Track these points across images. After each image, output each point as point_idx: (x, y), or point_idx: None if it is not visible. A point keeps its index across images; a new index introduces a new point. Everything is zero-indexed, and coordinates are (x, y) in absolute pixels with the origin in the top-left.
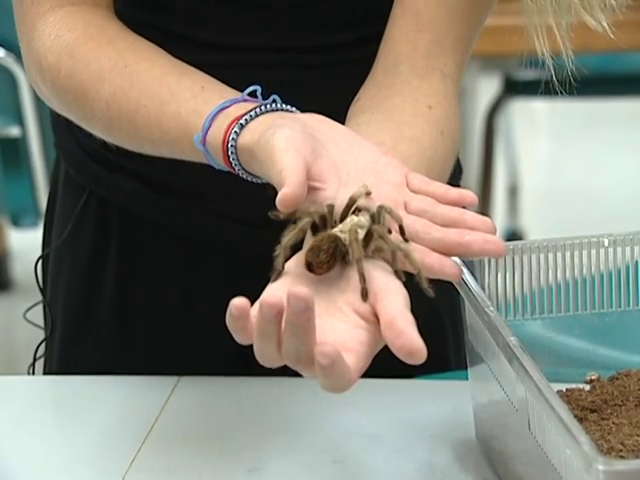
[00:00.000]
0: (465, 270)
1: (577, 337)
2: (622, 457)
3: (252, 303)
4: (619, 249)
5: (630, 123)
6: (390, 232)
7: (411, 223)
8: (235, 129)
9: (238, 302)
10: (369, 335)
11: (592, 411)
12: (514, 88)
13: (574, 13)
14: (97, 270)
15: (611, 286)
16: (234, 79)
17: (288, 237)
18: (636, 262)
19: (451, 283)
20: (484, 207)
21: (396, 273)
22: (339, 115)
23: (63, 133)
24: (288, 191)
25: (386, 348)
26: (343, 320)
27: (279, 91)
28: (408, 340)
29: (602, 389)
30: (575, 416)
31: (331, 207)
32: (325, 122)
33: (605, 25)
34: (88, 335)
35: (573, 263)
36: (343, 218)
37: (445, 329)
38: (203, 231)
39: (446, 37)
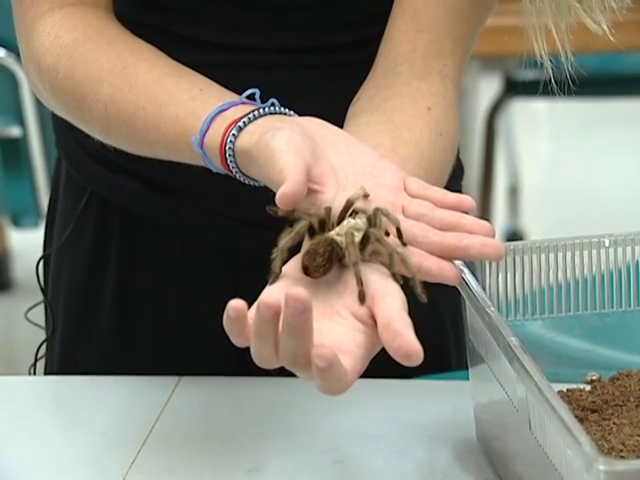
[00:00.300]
0: (466, 270)
1: (578, 337)
2: (623, 457)
3: (250, 305)
4: (620, 249)
5: (630, 123)
6: (388, 235)
7: (409, 227)
8: (233, 132)
9: (235, 304)
10: (366, 338)
11: (593, 411)
12: (514, 88)
13: (574, 15)
14: (98, 270)
15: (612, 286)
16: (234, 79)
17: (285, 240)
18: (637, 262)
19: None
20: (484, 207)
21: (393, 276)
22: (339, 116)
23: (64, 133)
24: (288, 188)
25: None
26: (340, 323)
27: (279, 92)
28: (405, 342)
29: (603, 389)
30: (576, 416)
31: (328, 210)
32: (323, 126)
33: (605, 27)
34: (89, 335)
35: (574, 263)
36: (340, 221)
37: (446, 329)
38: (204, 231)
39: (446, 38)
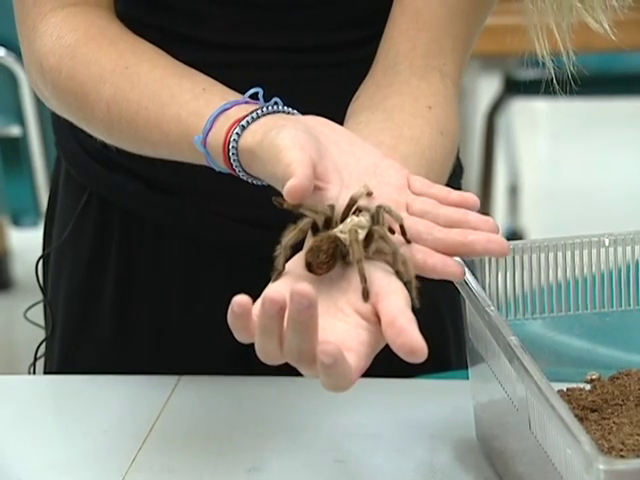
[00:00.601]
0: (466, 270)
1: (577, 337)
2: (623, 457)
3: (253, 302)
4: (620, 248)
5: (630, 123)
6: (393, 232)
7: (413, 224)
8: (237, 130)
9: (240, 299)
10: (370, 335)
11: (592, 411)
12: (514, 88)
13: (575, 14)
14: (98, 270)
15: (612, 286)
16: (235, 78)
17: (288, 237)
18: (637, 261)
19: (452, 282)
20: (484, 207)
21: (397, 273)
22: (340, 114)
23: (64, 133)
24: (296, 182)
25: (386, 347)
26: (344, 320)
27: (280, 91)
28: (409, 338)
29: (602, 389)
30: (576, 416)
31: (332, 207)
32: (327, 124)
33: (607, 27)
34: (89, 335)
35: (574, 262)
36: (344, 218)
37: (446, 328)
38: (204, 231)
39: (446, 36)
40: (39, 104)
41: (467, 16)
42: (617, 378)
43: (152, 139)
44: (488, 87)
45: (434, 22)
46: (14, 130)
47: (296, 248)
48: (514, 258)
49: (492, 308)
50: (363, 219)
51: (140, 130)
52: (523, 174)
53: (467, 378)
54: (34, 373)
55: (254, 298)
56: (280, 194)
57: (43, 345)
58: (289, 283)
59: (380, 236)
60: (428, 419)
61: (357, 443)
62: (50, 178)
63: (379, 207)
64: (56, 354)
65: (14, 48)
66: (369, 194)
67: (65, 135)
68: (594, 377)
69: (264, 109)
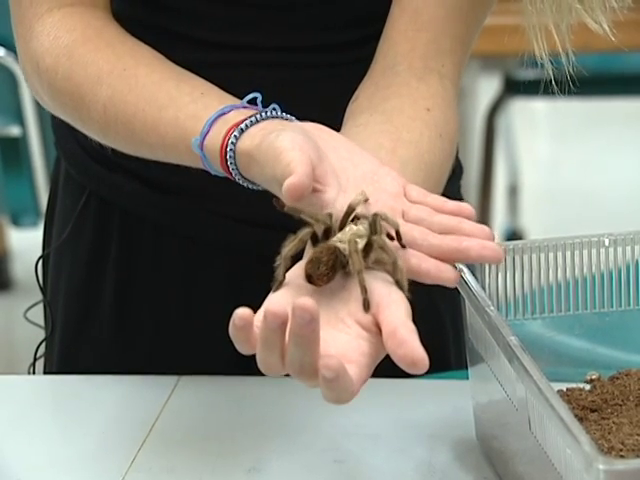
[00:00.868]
0: (465, 270)
1: (577, 337)
2: (622, 457)
3: (252, 308)
4: (619, 249)
5: (630, 123)
6: (392, 239)
7: (409, 230)
8: (235, 133)
9: (242, 312)
10: (371, 346)
11: (592, 411)
12: (514, 88)
13: (574, 15)
14: (97, 270)
15: (611, 286)
16: (235, 78)
17: (288, 247)
18: (636, 262)
19: None
20: (484, 207)
21: (397, 283)
22: (340, 114)
23: (63, 133)
24: (295, 180)
25: None
26: (345, 331)
27: (280, 90)
28: (410, 349)
29: (602, 389)
30: (575, 416)
31: (330, 216)
32: (325, 131)
33: (606, 27)
34: (88, 335)
35: (573, 263)
36: (342, 226)
37: (445, 329)
38: (203, 231)
39: (444, 37)
40: (39, 104)
41: (466, 16)
42: (617, 378)
43: (149, 141)
44: (488, 87)
45: (433, 23)
46: (14, 130)
47: (296, 257)
48: (514, 258)
49: (492, 308)
50: (362, 227)
51: (137, 132)
52: (523, 174)
53: (467, 378)
54: (34, 373)
55: (253, 298)
56: (278, 199)
57: (43, 345)
58: (290, 294)
59: (379, 246)
60: (428, 419)
61: (357, 443)
62: (50, 178)
63: (376, 215)
64: (56, 354)
65: (14, 48)
66: (365, 201)
67: (64, 135)
68: (594, 377)
69: (262, 114)
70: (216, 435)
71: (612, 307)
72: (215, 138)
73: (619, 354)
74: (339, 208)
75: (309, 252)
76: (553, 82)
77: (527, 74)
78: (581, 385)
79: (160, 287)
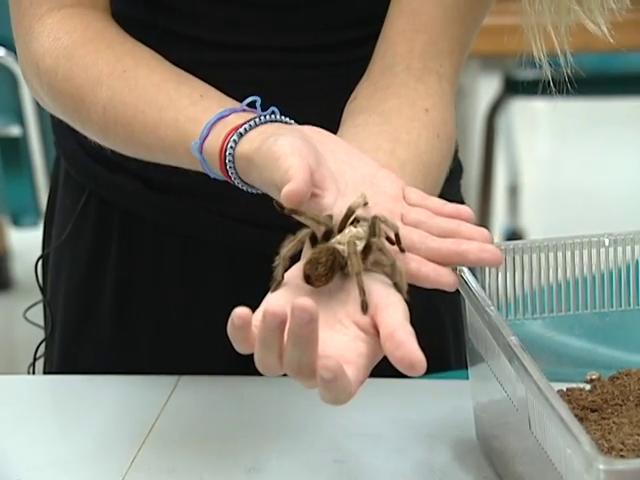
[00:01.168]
0: (465, 270)
1: (577, 336)
2: (622, 457)
3: (251, 308)
4: (619, 248)
5: (630, 123)
6: (392, 243)
7: (407, 233)
8: (234, 137)
9: (240, 312)
10: (368, 347)
11: (592, 410)
12: (514, 88)
13: (573, 17)
14: (97, 270)
15: (612, 285)
16: (234, 78)
17: (287, 248)
18: (636, 261)
19: None
20: (484, 207)
21: (395, 285)
22: (339, 114)
23: (63, 133)
24: (293, 186)
25: None
26: (343, 332)
27: (280, 90)
28: (408, 352)
29: (602, 389)
30: (575, 415)
31: (330, 218)
32: (324, 134)
33: (604, 29)
34: (88, 335)
35: (574, 262)
36: (341, 229)
37: (445, 328)
38: (204, 231)
39: (443, 38)
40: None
41: (464, 17)
42: (617, 378)
43: (148, 143)
44: (488, 87)
45: (431, 23)
46: (14, 130)
47: (294, 258)
48: (514, 258)
49: (492, 308)
50: (361, 230)
51: (136, 134)
52: (523, 174)
53: (467, 378)
54: (34, 373)
55: (253, 298)
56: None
57: (43, 345)
58: (288, 294)
59: (378, 248)
60: (427, 419)
61: (357, 443)
62: (50, 178)
63: (375, 217)
64: (56, 354)
65: (14, 48)
66: (365, 204)
67: (64, 135)
68: (594, 377)
69: (262, 118)
70: (216, 435)
71: (612, 307)
72: (214, 142)
73: (619, 354)
74: (337, 212)
75: (308, 253)
76: (552, 83)
77: (527, 74)
78: (581, 385)
79: (160, 287)
